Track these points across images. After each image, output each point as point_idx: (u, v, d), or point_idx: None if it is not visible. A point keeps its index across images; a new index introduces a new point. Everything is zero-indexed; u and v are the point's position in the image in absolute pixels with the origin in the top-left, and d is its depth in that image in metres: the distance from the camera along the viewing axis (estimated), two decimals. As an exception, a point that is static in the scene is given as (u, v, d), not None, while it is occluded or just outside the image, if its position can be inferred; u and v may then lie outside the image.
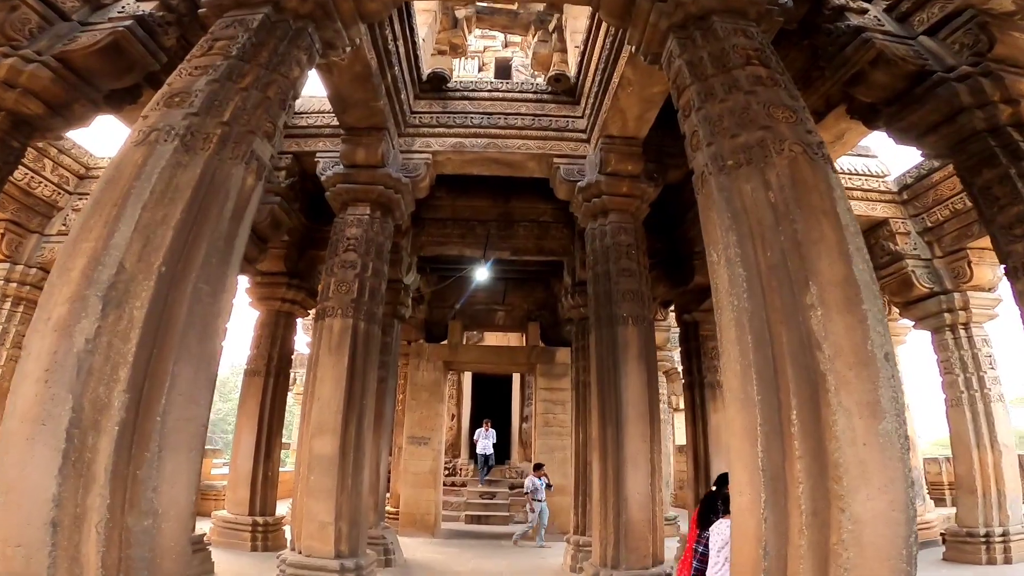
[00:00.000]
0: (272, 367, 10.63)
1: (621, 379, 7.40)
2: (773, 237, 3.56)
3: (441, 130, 8.68)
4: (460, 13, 12.26)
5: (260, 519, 10.08)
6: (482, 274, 11.83)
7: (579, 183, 8.39)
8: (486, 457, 16.94)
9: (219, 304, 3.74)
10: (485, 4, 11.89)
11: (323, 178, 8.33)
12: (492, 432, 16.87)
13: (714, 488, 5.02)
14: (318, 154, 8.53)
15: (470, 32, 12.92)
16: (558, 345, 14.43)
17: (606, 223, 8.22)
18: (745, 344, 3.41)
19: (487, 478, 17.34)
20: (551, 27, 11.78)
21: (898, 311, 10.79)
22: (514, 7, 12.39)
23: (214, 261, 3.72)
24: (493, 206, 11.06)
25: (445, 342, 14.55)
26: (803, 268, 3.39)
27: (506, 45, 17.83)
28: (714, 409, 10.47)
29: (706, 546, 4.49)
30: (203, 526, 9.74)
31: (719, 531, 4.29)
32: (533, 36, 12.20)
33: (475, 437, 17.18)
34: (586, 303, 9.31)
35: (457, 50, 11.57)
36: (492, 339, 18.37)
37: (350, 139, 8.08)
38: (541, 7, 12.68)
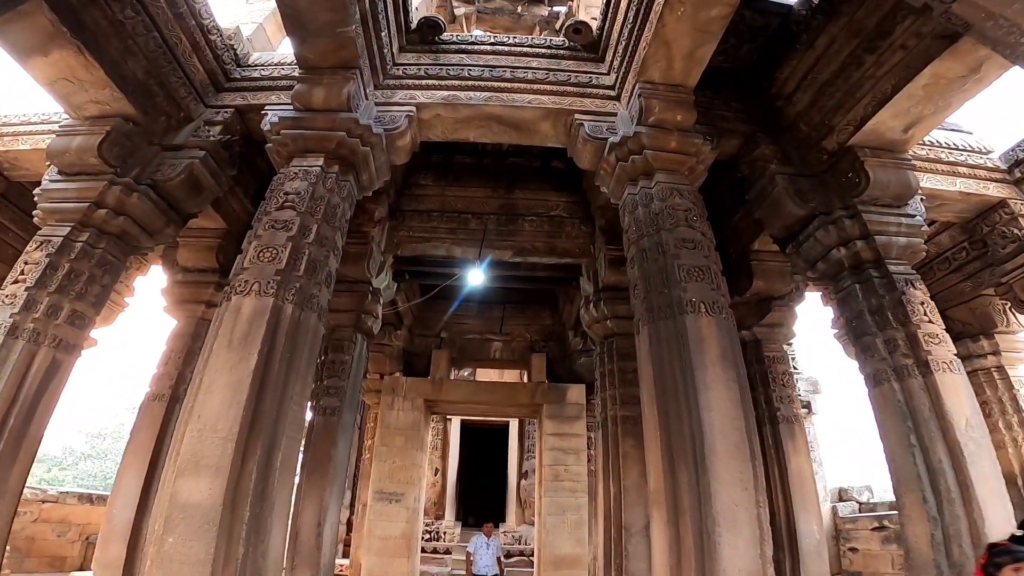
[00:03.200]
0: (182, 391, 7.60)
1: (698, 393, 4.77)
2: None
3: (430, 82, 6.58)
4: (459, 11, 12.04)
5: (138, 590, 6.98)
6: (476, 277, 9.09)
7: (610, 139, 6.14)
8: None
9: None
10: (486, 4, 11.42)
11: (266, 129, 6.07)
12: (496, 542, 10.85)
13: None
14: (267, 107, 6.33)
15: (468, 31, 12.27)
16: (569, 382, 11.67)
17: (650, 186, 5.88)
18: None
19: None
20: (558, 25, 11.28)
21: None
22: (518, 10, 12.17)
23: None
24: (492, 196, 8.85)
25: (428, 377, 11.71)
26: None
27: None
28: (794, 450, 7.70)
29: None
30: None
31: None
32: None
33: (470, 549, 10.66)
34: (613, 314, 7.94)
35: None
36: (486, 377, 15.46)
37: (308, 78, 6.04)
38: (546, 12, 12.59)
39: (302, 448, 10.69)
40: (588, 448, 11.22)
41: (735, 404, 4.79)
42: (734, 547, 4.24)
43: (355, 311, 7.98)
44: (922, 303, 5.79)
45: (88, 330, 6.08)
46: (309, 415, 6.82)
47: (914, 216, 6.13)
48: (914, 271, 6.08)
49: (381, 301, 8.47)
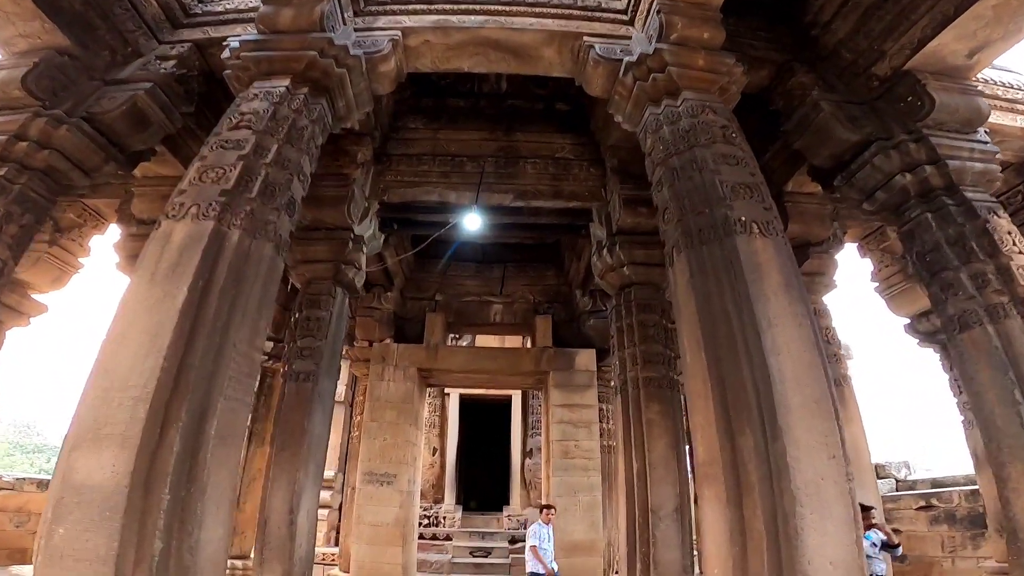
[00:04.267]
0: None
1: (761, 332, 3.74)
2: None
3: (419, 6, 5.80)
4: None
5: None
6: (473, 222, 7.97)
7: (626, 59, 5.36)
8: None
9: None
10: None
11: (225, 57, 5.36)
12: (550, 529, 8.65)
13: None
14: (229, 39, 5.53)
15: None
16: (577, 347, 10.52)
17: (676, 104, 5.05)
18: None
19: (482, 528, 13.68)
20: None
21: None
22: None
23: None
24: (489, 139, 7.93)
25: (422, 344, 10.49)
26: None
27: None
28: (847, 419, 6.62)
29: None
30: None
31: None
32: None
33: (535, 541, 8.42)
34: (630, 260, 7.02)
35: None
36: (486, 345, 14.24)
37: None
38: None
39: (270, 420, 9.60)
40: (601, 421, 10.07)
41: (809, 345, 3.75)
42: (822, 532, 3.19)
43: (334, 261, 6.93)
44: (1009, 232, 4.99)
45: (6, 277, 5.29)
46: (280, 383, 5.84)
47: (986, 143, 5.53)
48: (995, 199, 5.38)
49: (365, 251, 7.40)
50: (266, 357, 10.27)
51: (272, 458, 5.99)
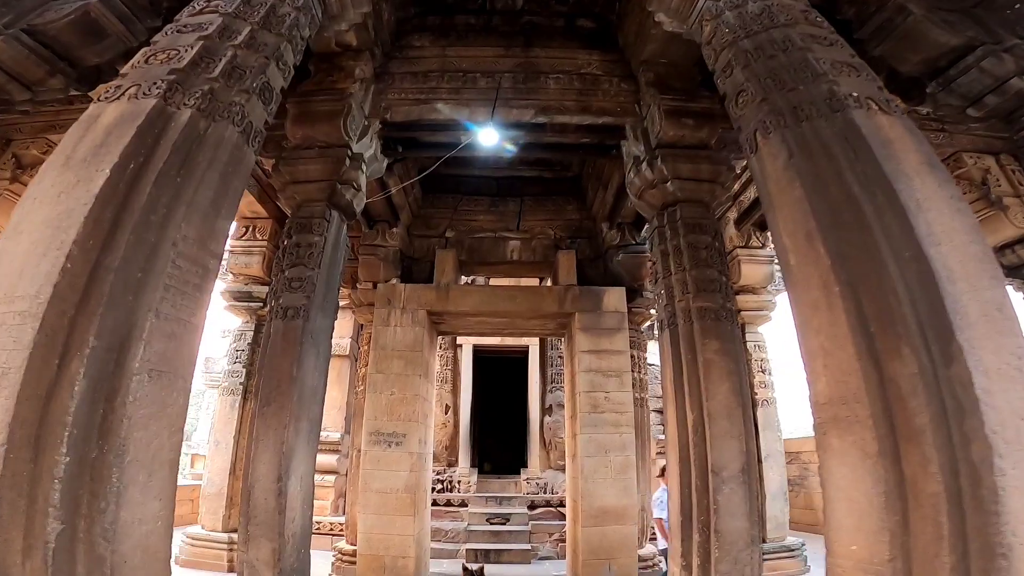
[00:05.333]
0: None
1: (910, 215, 2.79)
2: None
3: None
4: None
5: None
6: (488, 136, 6.90)
7: None
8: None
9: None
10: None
11: None
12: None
13: None
14: None
15: None
16: (605, 285, 9.38)
17: None
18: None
19: (498, 493, 12.73)
20: None
21: None
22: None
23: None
24: (505, 55, 7.08)
25: (432, 284, 9.34)
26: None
27: None
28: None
29: None
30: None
31: None
32: None
33: (657, 502, 7.43)
34: (675, 175, 6.00)
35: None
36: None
37: None
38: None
39: (247, 366, 8.73)
40: (632, 370, 9.00)
41: (974, 235, 2.77)
42: (1028, 492, 2.19)
43: (328, 180, 5.97)
44: None
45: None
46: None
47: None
48: None
49: (364, 171, 6.38)
50: (261, 303, 9.38)
51: (256, 414, 4.97)
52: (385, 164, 7.04)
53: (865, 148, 3.06)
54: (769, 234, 6.43)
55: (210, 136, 3.23)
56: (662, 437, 12.93)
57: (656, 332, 6.16)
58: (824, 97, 3.40)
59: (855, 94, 3.38)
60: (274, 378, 5.00)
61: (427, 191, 9.91)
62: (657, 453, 11.29)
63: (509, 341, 13.99)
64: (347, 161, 6.04)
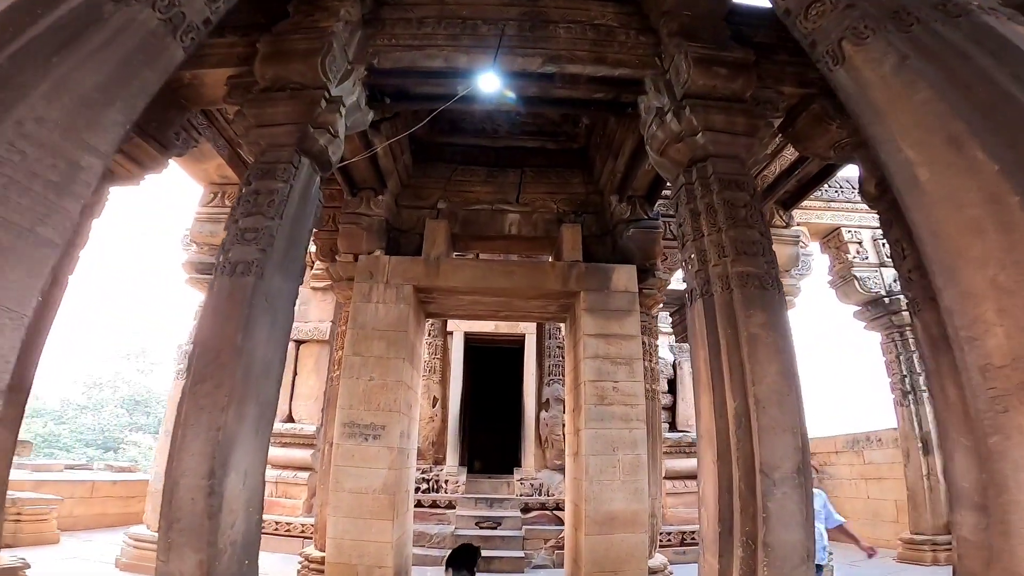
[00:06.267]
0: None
1: None
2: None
3: None
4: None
5: None
6: (490, 82, 6.16)
7: None
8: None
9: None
10: None
11: None
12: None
13: None
14: None
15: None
16: (611, 263, 8.47)
17: None
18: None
19: (490, 494, 11.94)
20: None
21: None
22: None
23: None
24: (510, 4, 6.45)
25: (420, 257, 8.35)
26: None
27: None
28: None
29: None
30: None
31: None
32: None
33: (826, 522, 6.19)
34: (707, 126, 5.31)
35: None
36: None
37: None
38: None
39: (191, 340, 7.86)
40: (644, 358, 8.03)
41: None
42: None
43: (299, 123, 5.11)
44: None
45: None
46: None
47: None
48: None
49: (343, 117, 5.51)
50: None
51: (186, 393, 3.97)
52: (370, 117, 6.24)
53: (1014, 50, 2.94)
54: (862, 161, 5.47)
55: (115, 19, 2.54)
56: (668, 436, 12.15)
57: (688, 302, 5.19)
58: (934, 3, 3.28)
59: (976, 2, 3.25)
60: (212, 348, 4.05)
61: (418, 159, 9.08)
62: (664, 453, 10.38)
63: (504, 328, 13.18)
64: (323, 103, 5.26)
